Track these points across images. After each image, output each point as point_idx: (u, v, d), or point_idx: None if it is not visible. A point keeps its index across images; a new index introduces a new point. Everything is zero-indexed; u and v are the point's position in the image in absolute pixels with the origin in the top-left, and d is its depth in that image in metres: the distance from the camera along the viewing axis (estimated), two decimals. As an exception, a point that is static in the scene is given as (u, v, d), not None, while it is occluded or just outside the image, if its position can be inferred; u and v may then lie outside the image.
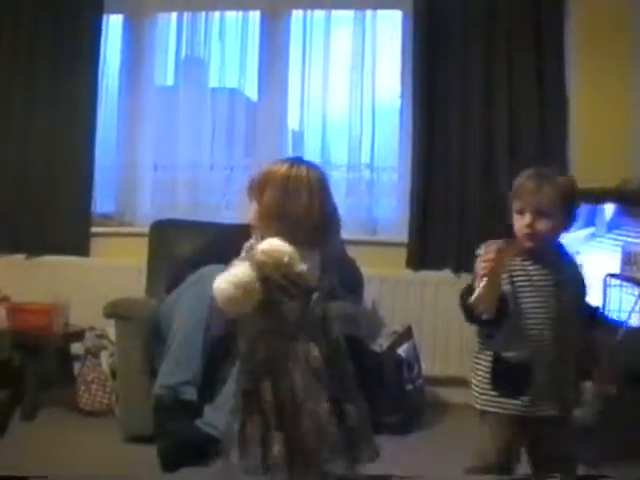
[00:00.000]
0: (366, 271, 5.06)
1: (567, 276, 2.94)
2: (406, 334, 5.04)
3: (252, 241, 2.78)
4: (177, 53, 5.99)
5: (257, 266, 2.66)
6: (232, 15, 5.90)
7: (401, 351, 4.99)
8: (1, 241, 5.69)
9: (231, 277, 2.67)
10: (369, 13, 5.71)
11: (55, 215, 5.73)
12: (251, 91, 5.91)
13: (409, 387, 4.92)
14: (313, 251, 2.75)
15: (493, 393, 2.90)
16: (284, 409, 2.66)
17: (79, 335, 5.23)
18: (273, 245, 2.68)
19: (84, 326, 5.23)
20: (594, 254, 4.42)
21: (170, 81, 6.07)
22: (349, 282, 4.84)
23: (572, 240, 4.48)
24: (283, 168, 2.76)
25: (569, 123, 5.39)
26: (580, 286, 3.00)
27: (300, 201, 2.73)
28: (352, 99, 5.70)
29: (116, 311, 4.56)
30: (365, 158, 5.70)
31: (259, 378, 2.70)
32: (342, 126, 5.73)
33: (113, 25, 5.99)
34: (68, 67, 5.77)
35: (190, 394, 4.15)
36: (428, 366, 5.16)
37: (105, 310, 4.58)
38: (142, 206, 5.83)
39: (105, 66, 5.93)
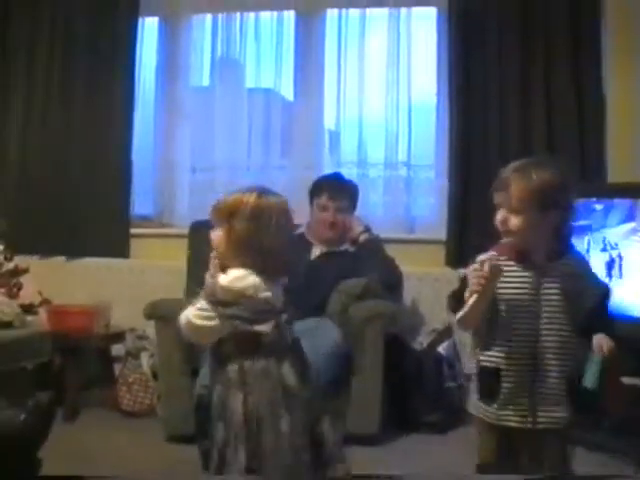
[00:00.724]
0: (405, 269, 5.04)
1: (557, 279, 2.74)
2: (446, 332, 5.02)
3: (212, 270, 2.82)
4: (212, 54, 6.01)
5: (218, 304, 2.70)
6: (267, 15, 5.90)
7: (441, 349, 4.98)
8: (41, 244, 5.73)
9: (193, 315, 2.73)
10: (404, 11, 5.69)
11: (94, 217, 5.76)
12: (287, 91, 5.92)
13: (450, 385, 4.90)
14: (278, 279, 2.79)
15: (475, 397, 2.84)
16: (249, 423, 2.69)
17: (120, 336, 5.27)
18: (236, 279, 2.71)
19: (124, 327, 5.28)
20: (635, 249, 4.38)
21: (206, 82, 6.09)
22: (388, 280, 4.83)
23: (612, 235, 4.47)
24: (252, 198, 2.79)
25: (606, 118, 5.34)
26: (581, 292, 2.75)
27: (271, 232, 2.77)
28: (388, 97, 5.68)
29: (156, 312, 4.58)
30: (402, 156, 5.67)
31: (228, 389, 2.77)
32: (378, 124, 5.71)
33: (149, 27, 6.02)
34: (105, 70, 5.81)
35: (231, 394, 4.15)
36: (469, 364, 5.13)
37: (145, 311, 4.61)
38: (180, 207, 5.84)
39: (141, 68, 5.94)
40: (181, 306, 4.63)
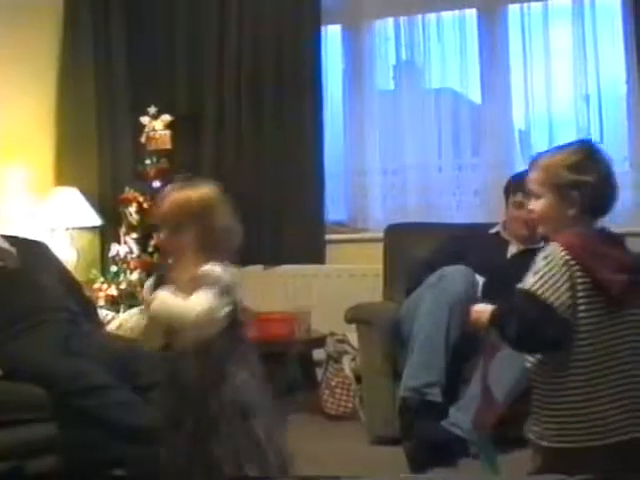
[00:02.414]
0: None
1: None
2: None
3: (209, 268, 2.79)
4: (397, 57, 6.06)
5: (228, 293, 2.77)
6: (449, 15, 5.90)
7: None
8: (240, 254, 5.84)
9: (212, 306, 2.73)
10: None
11: (290, 225, 5.87)
12: (473, 90, 5.90)
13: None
14: None
15: None
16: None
17: (320, 341, 5.35)
18: (223, 270, 2.78)
19: (325, 332, 5.36)
20: None
21: (391, 85, 6.15)
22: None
23: None
24: (208, 190, 2.87)
25: None
26: None
27: (230, 221, 2.88)
28: (577, 90, 5.59)
29: (357, 316, 4.63)
30: (594, 149, 5.56)
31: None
32: (569, 119, 5.63)
33: (332, 36, 6.12)
34: (292, 79, 5.92)
35: (435, 395, 4.16)
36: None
37: (346, 315, 4.67)
38: (374, 211, 5.90)
39: (327, 75, 6.03)
40: (381, 309, 4.74)
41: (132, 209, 5.41)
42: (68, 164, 5.88)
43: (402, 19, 5.98)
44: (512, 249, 4.81)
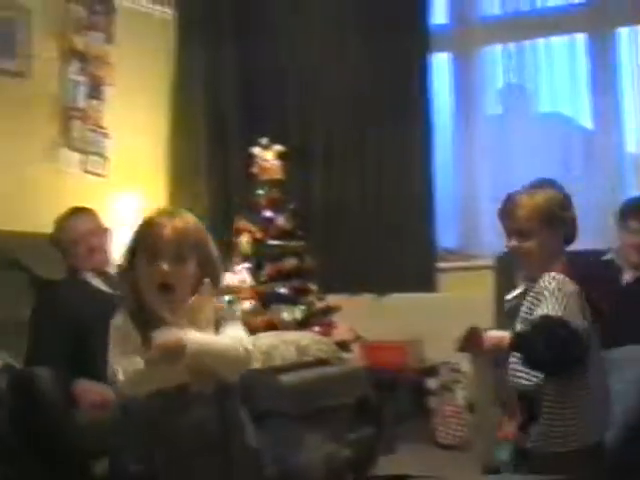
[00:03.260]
0: None
1: None
2: None
3: (220, 303, 2.68)
4: (505, 82, 6.07)
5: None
6: (558, 40, 5.87)
7: None
8: (351, 282, 5.89)
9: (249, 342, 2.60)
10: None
11: (401, 253, 5.88)
12: (584, 114, 5.85)
13: None
14: None
15: None
16: None
17: (433, 370, 5.34)
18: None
19: (438, 361, 5.34)
20: None
21: (500, 110, 6.14)
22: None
23: None
24: (196, 219, 2.67)
25: None
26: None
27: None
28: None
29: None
30: None
31: None
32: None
33: (441, 63, 6.14)
34: (401, 107, 5.94)
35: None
36: None
37: (457, 344, 4.64)
38: (484, 238, 5.84)
39: (436, 102, 6.03)
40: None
41: (244, 239, 5.45)
42: (180, 193, 5.96)
43: (511, 45, 5.98)
44: (626, 276, 4.72)
